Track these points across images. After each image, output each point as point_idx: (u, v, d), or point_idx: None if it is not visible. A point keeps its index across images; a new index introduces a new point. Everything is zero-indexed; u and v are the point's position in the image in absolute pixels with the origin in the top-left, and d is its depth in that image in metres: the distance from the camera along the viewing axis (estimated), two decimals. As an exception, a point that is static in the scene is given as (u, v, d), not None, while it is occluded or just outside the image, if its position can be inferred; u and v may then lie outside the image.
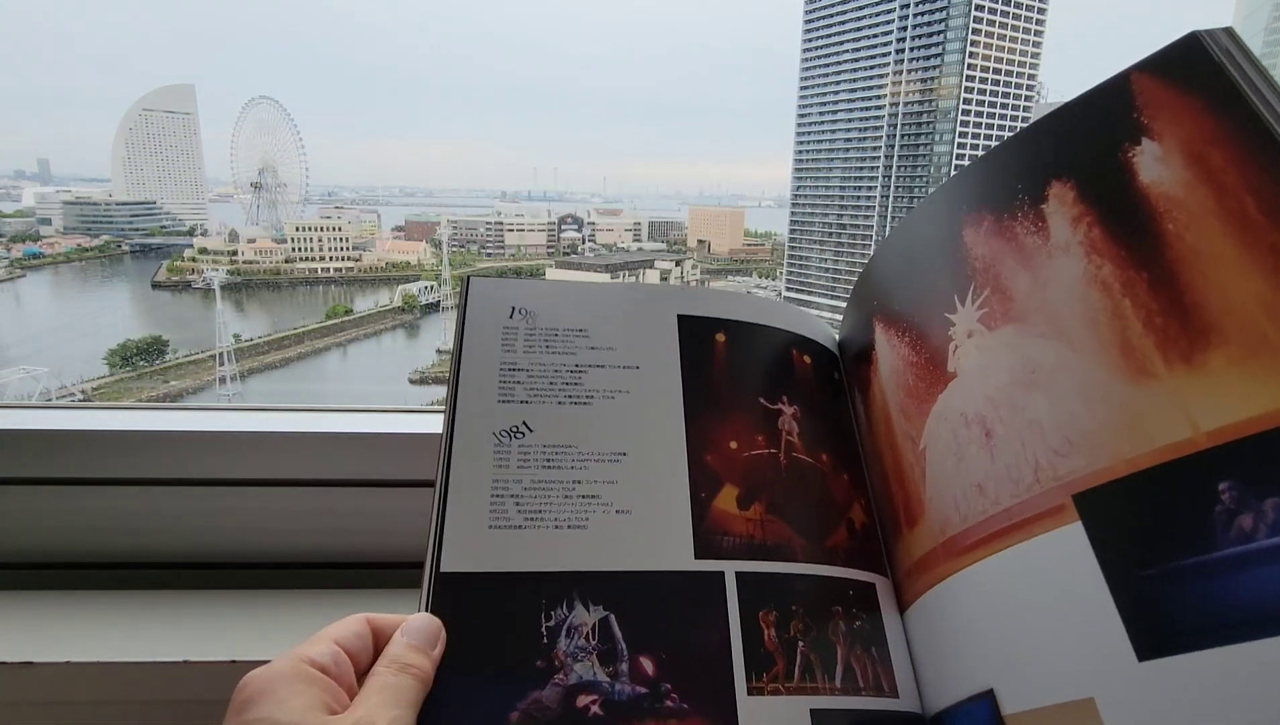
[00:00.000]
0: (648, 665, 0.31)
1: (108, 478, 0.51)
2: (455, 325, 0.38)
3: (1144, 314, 0.25)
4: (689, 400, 0.37)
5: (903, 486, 0.36)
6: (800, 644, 0.32)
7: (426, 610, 0.31)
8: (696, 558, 0.33)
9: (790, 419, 0.38)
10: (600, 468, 0.35)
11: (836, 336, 0.44)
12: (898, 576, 0.36)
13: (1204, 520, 0.23)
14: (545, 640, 0.31)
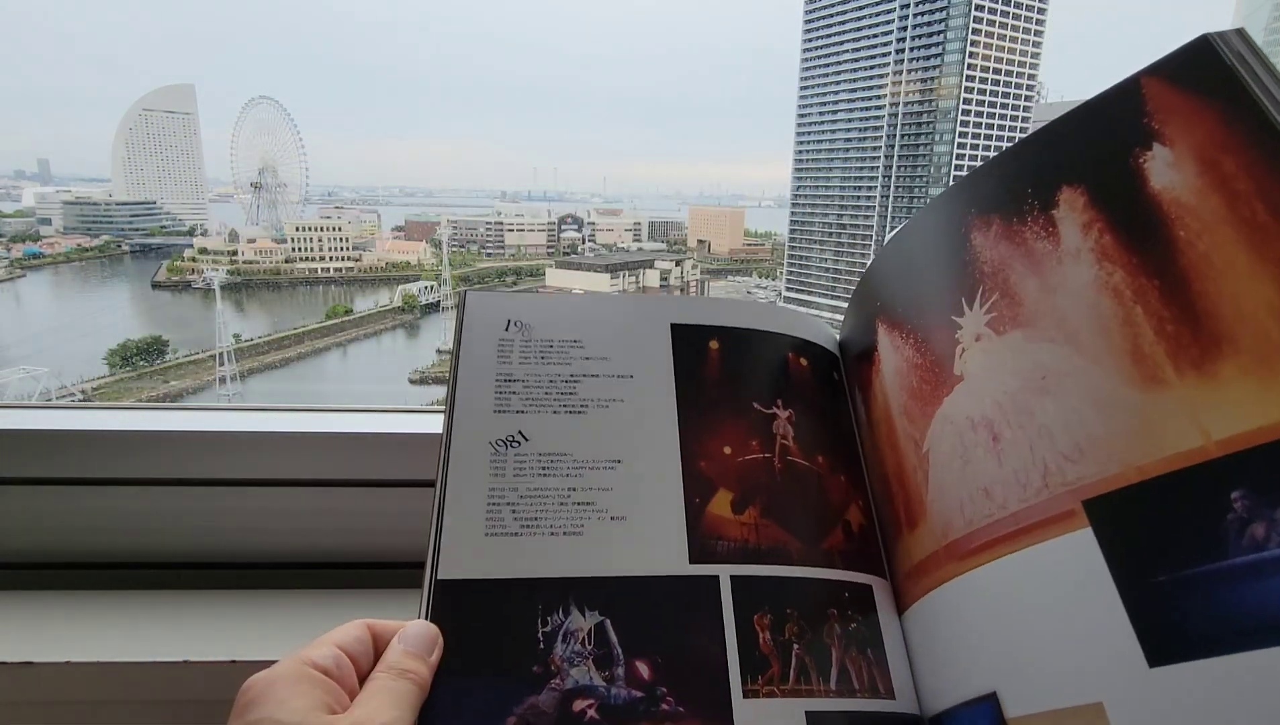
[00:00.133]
0: (644, 669, 0.31)
1: (108, 478, 0.51)
2: (453, 338, 0.39)
3: (1155, 322, 0.25)
4: (682, 407, 0.38)
5: (904, 488, 0.36)
6: (795, 646, 0.32)
7: (425, 617, 0.31)
8: (691, 562, 0.33)
9: (785, 423, 0.38)
10: (595, 475, 0.35)
11: (837, 337, 0.43)
12: (897, 578, 0.36)
13: (1216, 528, 0.22)
14: (541, 645, 0.31)
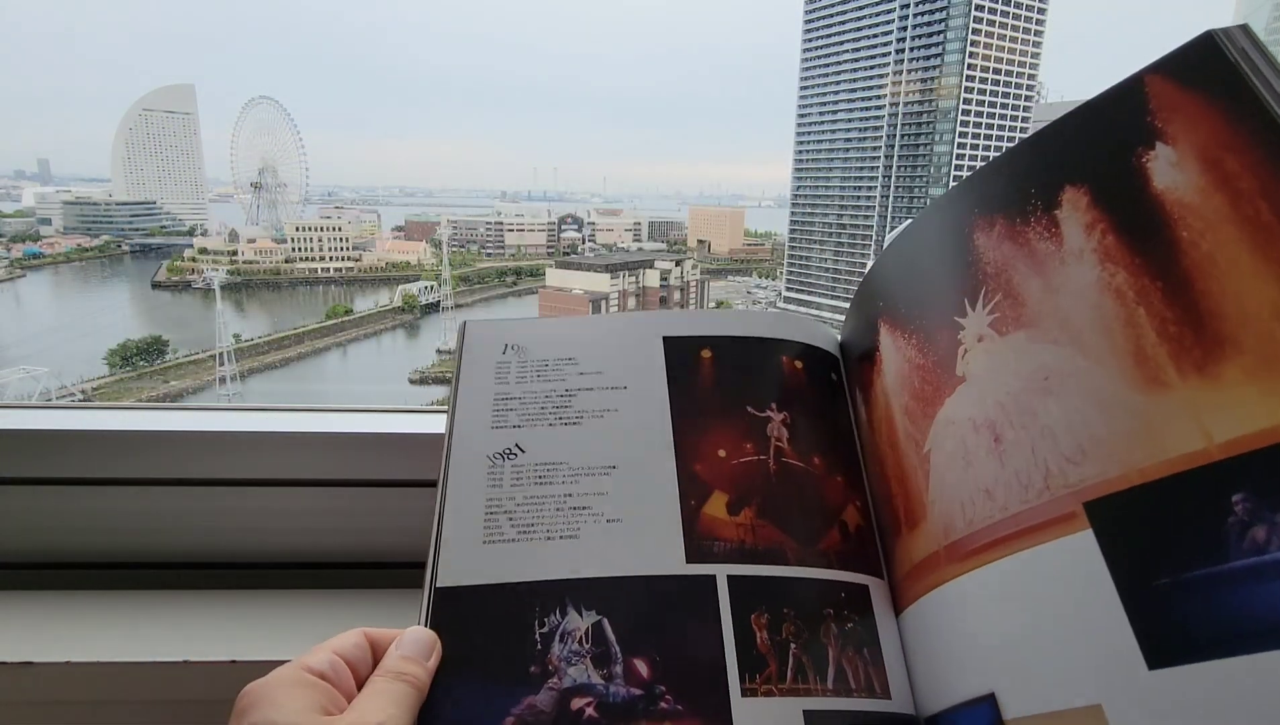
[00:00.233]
0: (642, 668, 0.31)
1: (108, 478, 0.51)
2: (453, 368, 0.41)
3: (1158, 323, 0.25)
4: (676, 413, 0.38)
5: (904, 488, 0.35)
6: (792, 646, 0.32)
7: (424, 624, 0.32)
8: (688, 562, 0.34)
9: (779, 425, 0.38)
10: (591, 481, 0.36)
11: (838, 337, 0.43)
12: (895, 578, 0.36)
13: (1217, 531, 0.22)
14: (539, 646, 0.32)
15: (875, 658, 0.33)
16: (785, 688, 0.31)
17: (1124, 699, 0.24)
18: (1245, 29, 0.25)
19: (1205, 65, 0.25)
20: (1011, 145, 0.33)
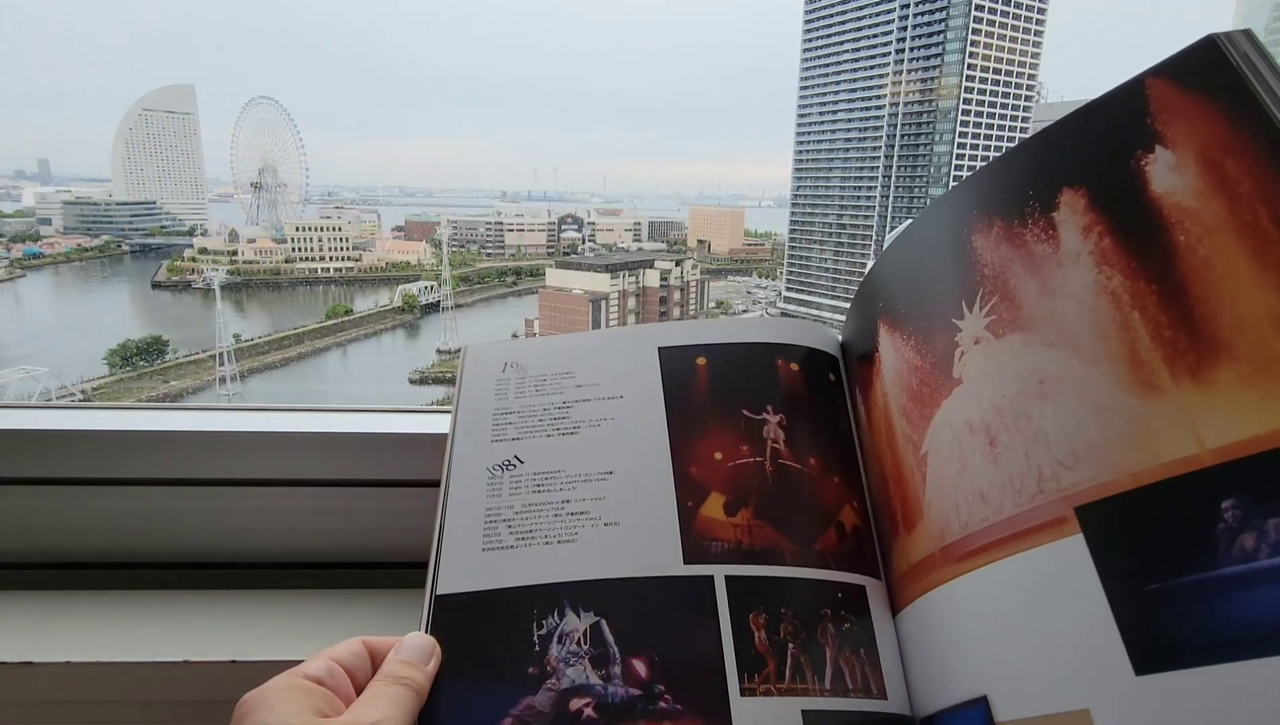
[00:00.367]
0: (640, 668, 0.31)
1: (108, 478, 0.51)
2: (455, 389, 0.42)
3: (1153, 327, 0.25)
4: (672, 419, 0.39)
5: (901, 490, 0.36)
6: (790, 646, 0.32)
7: (425, 631, 0.32)
8: (686, 563, 0.34)
9: (775, 427, 0.38)
10: (588, 487, 0.37)
11: (839, 337, 0.44)
12: (892, 579, 0.36)
13: (1206, 538, 0.22)
14: (537, 647, 0.32)
15: (872, 658, 0.33)
16: (784, 687, 0.31)
17: (1111, 704, 0.24)
18: (1248, 33, 0.24)
19: (1207, 69, 0.25)
20: (1011, 146, 0.33)
